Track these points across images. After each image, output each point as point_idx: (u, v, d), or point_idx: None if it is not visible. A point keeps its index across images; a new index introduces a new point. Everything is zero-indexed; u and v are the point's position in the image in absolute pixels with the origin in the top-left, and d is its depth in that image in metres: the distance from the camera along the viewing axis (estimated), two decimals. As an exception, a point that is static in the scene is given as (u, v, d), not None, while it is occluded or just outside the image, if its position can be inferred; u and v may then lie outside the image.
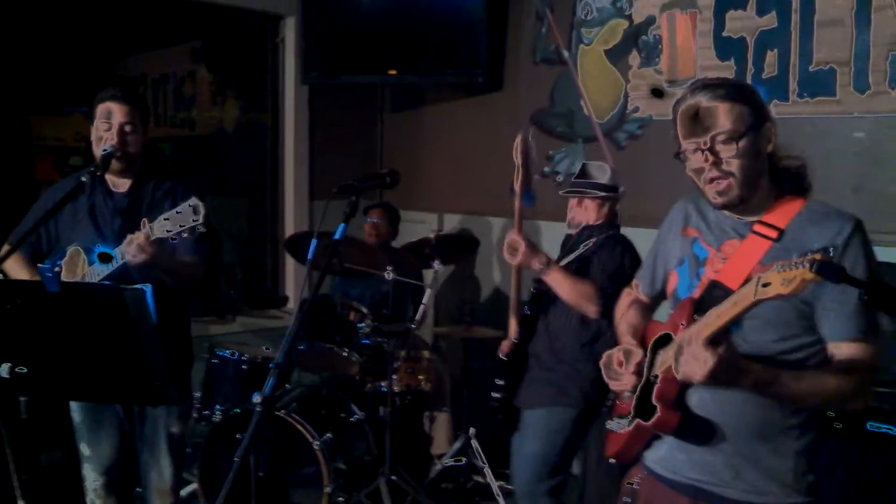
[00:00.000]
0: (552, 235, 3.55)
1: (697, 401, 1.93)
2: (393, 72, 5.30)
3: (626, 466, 2.24)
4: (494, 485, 4.35)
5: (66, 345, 2.33)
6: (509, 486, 4.48)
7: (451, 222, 5.50)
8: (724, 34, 4.05)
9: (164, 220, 2.66)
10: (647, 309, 2.32)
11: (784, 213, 1.91)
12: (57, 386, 2.41)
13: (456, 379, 4.85)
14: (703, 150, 1.88)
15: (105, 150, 2.93)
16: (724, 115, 1.86)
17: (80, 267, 2.92)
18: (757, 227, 1.91)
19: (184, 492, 4.18)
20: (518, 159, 3.18)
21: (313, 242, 2.31)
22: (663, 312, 2.28)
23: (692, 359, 1.69)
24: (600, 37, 4.64)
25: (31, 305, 2.30)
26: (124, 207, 3.04)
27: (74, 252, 2.92)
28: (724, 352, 1.67)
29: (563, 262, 3.31)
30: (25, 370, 2.30)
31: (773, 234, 1.88)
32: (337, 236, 2.28)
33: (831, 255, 1.51)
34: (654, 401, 1.91)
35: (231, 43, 6.11)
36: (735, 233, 1.96)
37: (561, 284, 3.12)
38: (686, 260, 2.05)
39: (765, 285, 1.58)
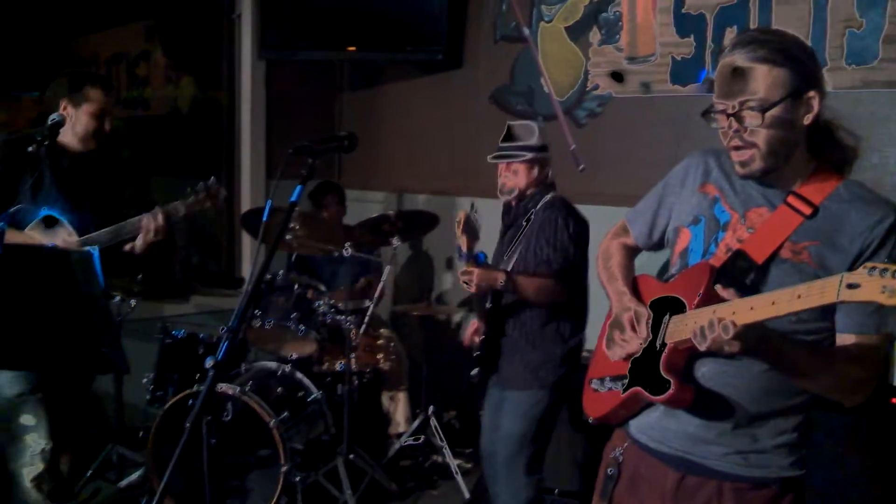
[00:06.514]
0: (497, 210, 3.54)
1: (705, 373, 1.83)
2: (351, 48, 5.22)
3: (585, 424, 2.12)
4: (453, 463, 4.33)
5: (10, 310, 2.25)
6: (467, 465, 4.48)
7: (411, 202, 5.45)
8: (684, 10, 4.06)
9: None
10: (634, 253, 2.19)
11: (820, 189, 1.77)
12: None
13: (414, 358, 4.81)
14: (728, 115, 1.74)
15: (54, 119, 2.98)
16: (757, 80, 1.71)
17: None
18: (791, 200, 1.77)
19: (123, 482, 4.08)
20: (460, 233, 3.22)
21: (268, 203, 2.24)
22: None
23: (723, 339, 1.59)
24: (561, 14, 4.62)
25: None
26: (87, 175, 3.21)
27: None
28: (754, 342, 1.60)
29: (510, 248, 3.29)
30: (-34, 338, 2.22)
31: (807, 209, 1.75)
32: (293, 198, 2.22)
33: None
34: (663, 373, 1.80)
35: (185, 19, 5.98)
36: (764, 200, 1.82)
37: (524, 292, 3.13)
38: (703, 220, 1.90)
39: (851, 286, 1.42)
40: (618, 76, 4.37)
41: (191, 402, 3.47)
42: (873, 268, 1.40)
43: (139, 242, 3.21)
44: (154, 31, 6.16)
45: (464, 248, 3.17)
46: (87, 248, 2.13)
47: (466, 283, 3.12)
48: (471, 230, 3.29)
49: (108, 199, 3.30)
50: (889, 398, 3.01)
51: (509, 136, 3.36)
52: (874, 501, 2.99)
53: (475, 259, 3.25)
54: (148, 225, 3.15)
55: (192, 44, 6.02)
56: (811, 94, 1.74)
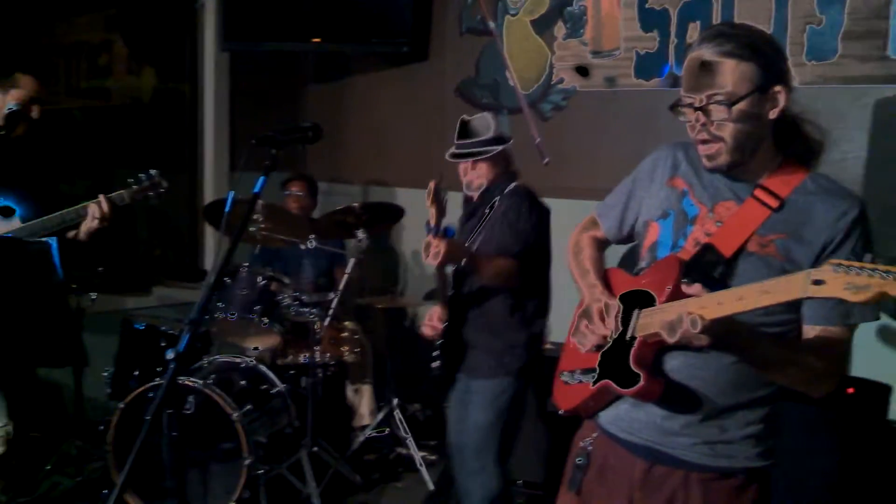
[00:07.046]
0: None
1: (674, 366, 1.84)
2: (316, 39, 5.18)
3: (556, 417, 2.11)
4: (417, 455, 4.33)
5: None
6: (432, 457, 4.48)
7: (377, 194, 5.43)
8: (648, 6, 4.09)
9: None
10: (604, 246, 2.20)
11: (786, 182, 1.80)
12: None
13: (379, 350, 4.80)
14: (695, 108, 1.75)
15: (10, 108, 2.93)
16: (724, 74, 1.71)
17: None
18: (757, 193, 1.80)
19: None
20: (431, 204, 3.13)
21: (230, 195, 2.22)
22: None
23: (691, 333, 1.60)
24: (526, 7, 4.63)
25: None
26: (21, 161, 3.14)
27: None
28: (723, 336, 1.61)
29: (472, 234, 3.25)
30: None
31: (774, 202, 1.77)
32: (256, 189, 2.19)
33: None
34: (633, 367, 1.80)
35: (147, 9, 5.89)
36: (732, 193, 1.84)
37: (483, 271, 3.07)
38: (672, 214, 1.91)
39: (817, 283, 1.43)
40: (582, 70, 4.40)
41: (151, 395, 3.42)
42: (838, 264, 1.41)
43: (82, 230, 3.17)
44: (115, 20, 6.07)
45: (432, 221, 3.10)
46: (45, 238, 2.09)
47: (433, 257, 2.94)
48: (439, 202, 3.18)
49: (44, 186, 3.26)
50: (845, 388, 3.07)
51: (467, 132, 3.27)
52: (837, 490, 3.05)
53: (445, 233, 3.17)
54: (92, 212, 3.12)
55: (154, 34, 5.93)
56: (777, 88, 1.75)
